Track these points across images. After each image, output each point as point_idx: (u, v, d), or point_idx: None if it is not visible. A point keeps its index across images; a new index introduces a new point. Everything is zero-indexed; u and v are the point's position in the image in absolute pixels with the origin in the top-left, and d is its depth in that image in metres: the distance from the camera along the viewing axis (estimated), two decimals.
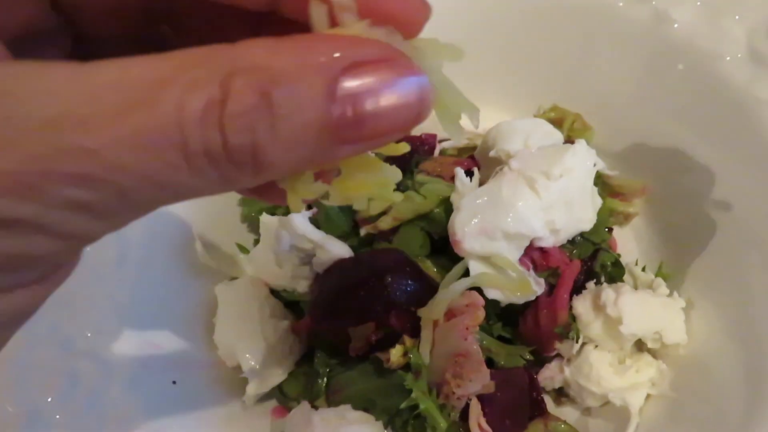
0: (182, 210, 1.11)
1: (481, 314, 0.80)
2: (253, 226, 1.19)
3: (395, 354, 0.82)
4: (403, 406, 0.79)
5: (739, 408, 0.82)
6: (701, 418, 0.84)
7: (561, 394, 0.95)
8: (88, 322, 0.94)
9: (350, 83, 0.32)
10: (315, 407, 0.89)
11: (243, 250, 1.16)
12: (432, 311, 0.81)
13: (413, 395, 0.79)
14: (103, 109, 0.30)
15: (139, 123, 0.30)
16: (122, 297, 0.98)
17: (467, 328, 0.79)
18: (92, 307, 0.96)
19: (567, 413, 0.94)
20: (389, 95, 0.33)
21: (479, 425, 0.79)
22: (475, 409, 0.80)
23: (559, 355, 0.93)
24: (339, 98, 0.32)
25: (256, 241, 1.17)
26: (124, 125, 0.30)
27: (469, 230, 0.86)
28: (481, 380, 0.78)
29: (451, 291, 0.78)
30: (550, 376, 0.94)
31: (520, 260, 0.89)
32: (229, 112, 0.30)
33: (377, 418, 0.83)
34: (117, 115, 0.30)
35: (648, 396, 0.89)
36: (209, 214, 1.15)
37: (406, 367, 0.83)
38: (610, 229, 1.02)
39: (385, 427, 0.82)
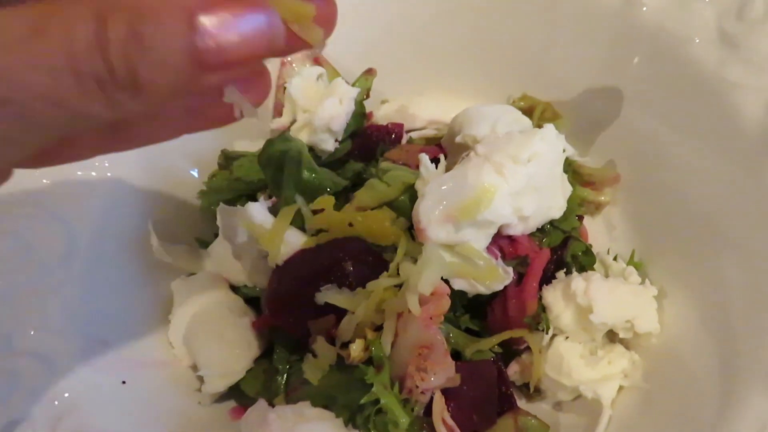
0: (137, 202, 1.05)
1: (447, 303, 0.76)
2: (213, 219, 1.13)
3: (356, 348, 0.77)
4: (363, 401, 0.75)
5: (713, 399, 0.79)
6: (675, 410, 0.82)
7: (530, 388, 0.91)
8: (30, 318, 0.88)
9: (207, 18, 0.38)
10: (273, 405, 0.84)
11: (202, 244, 1.11)
12: (397, 303, 0.77)
13: (374, 390, 0.75)
14: (8, 38, 0.37)
15: (39, 49, 0.37)
16: (69, 293, 0.92)
17: (431, 318, 0.75)
18: (36, 302, 0.90)
19: (538, 408, 0.91)
20: (243, 26, 0.39)
21: (443, 421, 0.75)
22: (439, 403, 0.75)
23: (528, 348, 0.90)
24: (200, 30, 0.37)
25: (216, 236, 1.12)
26: (27, 50, 0.37)
27: (434, 218, 0.82)
28: (445, 373, 0.74)
29: (423, 280, 0.74)
30: (519, 369, 0.90)
31: (488, 249, 0.86)
32: (110, 42, 0.37)
33: (338, 415, 0.78)
34: (20, 42, 0.37)
35: (620, 388, 0.86)
36: (166, 207, 1.10)
37: (369, 361, 0.79)
38: (581, 218, 0.99)
39: (346, 425, 0.78)
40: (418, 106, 1.21)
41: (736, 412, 0.75)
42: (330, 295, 0.80)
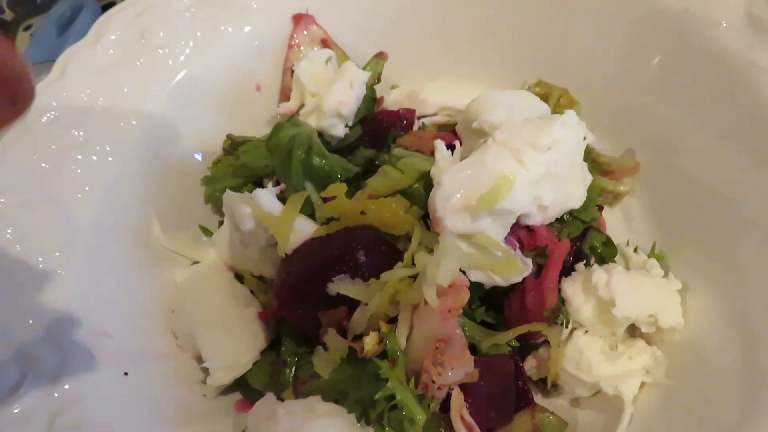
0: (139, 188, 1.02)
1: (466, 296, 0.73)
2: (218, 206, 1.10)
3: (370, 342, 0.74)
4: (377, 396, 0.72)
5: (737, 398, 0.76)
6: (698, 408, 0.79)
7: (548, 383, 0.88)
8: (29, 308, 0.85)
9: None
10: (281, 399, 0.81)
11: (206, 232, 1.08)
12: (413, 294, 0.74)
13: (389, 385, 0.72)
14: None
15: None
16: (69, 282, 0.88)
17: (450, 311, 0.71)
18: (35, 293, 0.86)
19: (554, 404, 0.88)
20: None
21: (462, 418, 0.72)
22: (458, 399, 0.72)
23: (546, 342, 0.87)
24: None
25: (221, 223, 1.08)
26: None
27: (450, 206, 0.79)
28: (464, 368, 0.71)
29: (441, 272, 0.71)
30: (536, 364, 0.87)
31: (506, 239, 0.83)
32: None
33: (349, 411, 0.75)
34: None
35: (642, 384, 0.82)
36: (169, 194, 1.06)
37: (382, 355, 0.75)
38: (601, 208, 0.96)
39: (359, 420, 0.75)
40: (429, 92, 1.17)
41: (762, 412, 0.73)
42: (342, 285, 0.77)
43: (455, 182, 0.80)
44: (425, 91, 1.17)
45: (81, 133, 1.00)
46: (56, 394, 0.79)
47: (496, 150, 0.82)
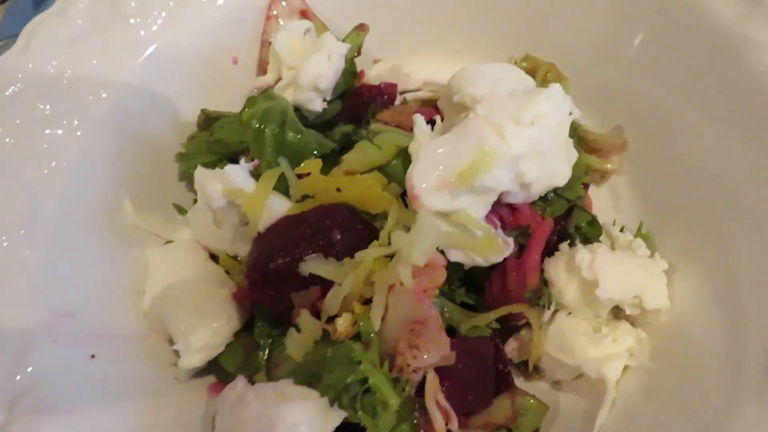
0: (109, 164, 0.98)
1: (442, 275, 0.70)
2: (192, 184, 1.05)
3: (342, 323, 0.71)
4: (349, 380, 0.69)
5: (722, 383, 0.73)
6: (682, 392, 0.76)
7: (529, 366, 0.86)
8: None
9: None
10: (253, 383, 0.78)
11: (180, 210, 1.04)
12: (388, 274, 0.71)
13: (362, 368, 0.69)
14: None
15: None
16: (32, 262, 0.85)
17: (425, 291, 0.68)
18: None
19: (536, 387, 0.86)
20: None
21: (437, 402, 0.69)
22: (433, 383, 0.70)
23: (528, 325, 0.84)
24: None
25: (195, 202, 1.05)
26: None
27: (429, 184, 0.75)
28: (439, 351, 0.69)
29: (417, 251, 0.68)
30: (517, 346, 0.85)
31: (487, 218, 0.80)
32: None
33: (322, 394, 0.72)
34: None
35: (625, 367, 0.80)
36: (141, 171, 1.02)
37: (357, 337, 0.72)
38: (586, 186, 0.93)
39: (331, 404, 0.72)
40: (412, 66, 1.13)
41: (745, 398, 0.70)
42: (315, 265, 0.74)
43: (433, 158, 0.77)
44: (408, 65, 1.13)
45: (47, 107, 0.96)
46: (18, 377, 0.76)
47: (477, 124, 0.78)
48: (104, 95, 0.99)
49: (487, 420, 0.77)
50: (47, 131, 0.94)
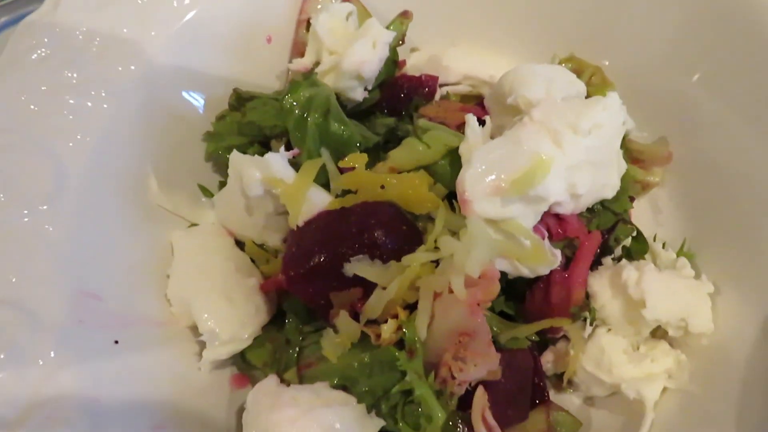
0: (135, 140, 0.94)
1: (497, 289, 0.68)
2: (219, 165, 1.03)
3: (388, 329, 0.69)
4: (395, 390, 0.67)
5: (760, 412, 0.72)
6: (720, 417, 0.75)
7: (561, 379, 0.84)
8: (11, 263, 0.77)
9: None
10: (283, 380, 0.76)
11: (206, 192, 1.01)
12: (435, 281, 0.68)
13: (407, 378, 0.67)
14: None
15: None
16: (56, 237, 0.81)
17: (478, 304, 0.66)
18: (18, 246, 0.79)
19: (567, 401, 0.84)
20: None
21: (484, 418, 0.67)
22: (481, 399, 0.68)
23: (564, 337, 0.82)
24: None
25: (222, 184, 1.01)
26: None
27: (481, 189, 0.73)
28: (487, 365, 0.67)
29: (472, 261, 0.65)
30: (553, 359, 0.83)
31: (535, 228, 0.77)
32: None
33: (359, 400, 0.70)
34: None
35: (663, 389, 0.79)
36: (167, 149, 0.98)
37: (398, 344, 0.70)
38: (632, 199, 0.91)
39: (368, 411, 0.70)
40: (451, 58, 1.10)
41: None
42: (361, 267, 0.71)
43: (487, 162, 0.74)
44: (448, 57, 1.10)
45: (74, 75, 0.92)
46: (41, 361, 0.73)
47: (534, 130, 0.75)
48: (133, 67, 0.95)
49: None
50: (73, 101, 0.90)
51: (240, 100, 1.00)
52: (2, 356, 0.72)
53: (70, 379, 0.73)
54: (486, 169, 0.73)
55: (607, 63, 1.02)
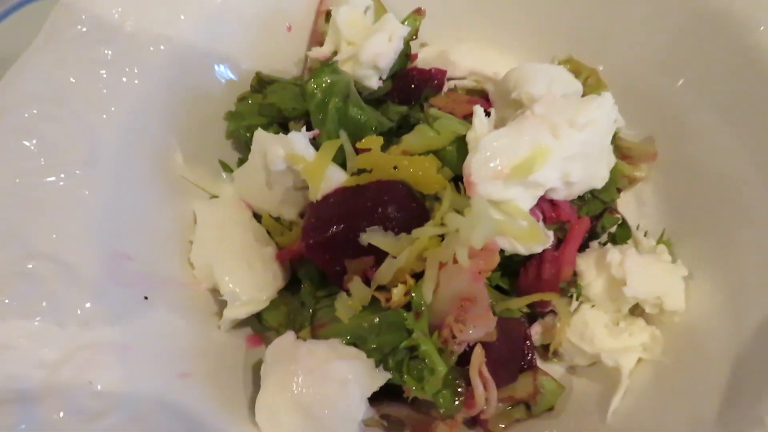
0: (163, 114, 1.01)
1: (497, 259, 0.77)
2: (239, 143, 1.10)
3: (397, 293, 0.77)
4: (403, 346, 0.75)
5: (723, 382, 0.81)
6: (686, 388, 0.84)
7: (547, 350, 0.93)
8: (52, 221, 0.84)
9: None
10: (299, 338, 0.84)
11: (226, 168, 1.08)
12: (441, 252, 0.77)
13: (414, 336, 0.75)
14: None
15: None
16: (92, 200, 0.88)
17: (480, 273, 0.74)
18: (57, 206, 0.86)
19: (552, 369, 0.93)
20: None
21: (480, 372, 0.76)
22: (479, 356, 0.76)
23: (552, 311, 0.91)
24: None
25: (241, 161, 1.09)
26: None
27: (485, 173, 0.81)
28: (486, 327, 0.75)
29: (477, 234, 0.73)
30: (541, 330, 0.92)
31: (531, 210, 0.86)
32: None
33: (368, 356, 0.78)
34: None
35: (638, 360, 0.88)
36: (192, 125, 1.05)
37: (406, 307, 0.78)
38: (619, 190, 0.99)
39: (377, 366, 0.78)
40: (458, 54, 1.18)
41: (744, 396, 0.78)
42: (375, 236, 0.79)
43: (492, 150, 0.82)
44: (455, 53, 1.17)
45: (109, 52, 0.97)
46: (78, 311, 0.80)
47: (535, 122, 0.84)
48: (162, 47, 1.01)
49: (510, 394, 0.85)
50: (107, 76, 0.96)
51: (261, 83, 1.07)
52: (44, 304, 0.79)
53: (105, 328, 0.80)
54: (491, 155, 0.82)
55: (601, 68, 1.11)
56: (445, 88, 1.09)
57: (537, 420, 0.88)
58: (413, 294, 0.77)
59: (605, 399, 0.86)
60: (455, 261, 0.76)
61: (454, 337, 0.76)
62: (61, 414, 0.72)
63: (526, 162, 0.81)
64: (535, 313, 0.92)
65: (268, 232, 1.00)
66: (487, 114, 0.90)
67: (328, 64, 0.96)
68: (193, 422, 0.78)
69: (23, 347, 0.75)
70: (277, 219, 1.00)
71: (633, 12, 1.08)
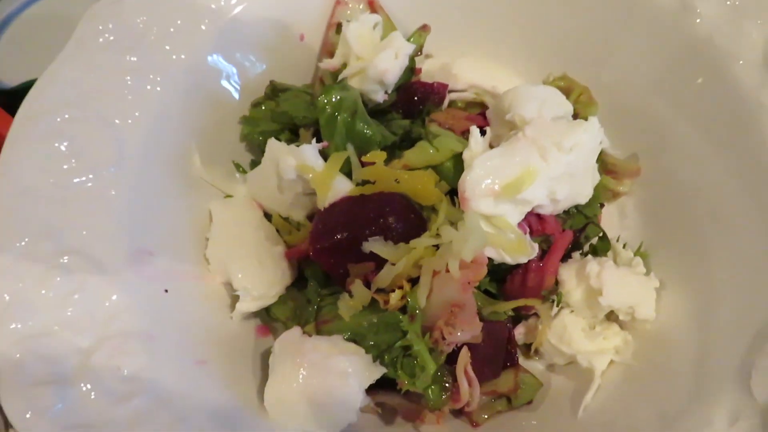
0: (183, 119, 1.08)
1: (484, 272, 0.85)
2: (252, 146, 1.18)
3: (395, 297, 0.86)
4: (398, 345, 0.84)
5: (687, 384, 0.90)
6: (653, 388, 0.93)
7: (530, 348, 1.02)
8: (82, 219, 0.92)
9: None
10: (304, 333, 0.93)
11: (239, 169, 1.16)
12: (436, 262, 0.85)
13: (408, 336, 0.84)
14: None
15: None
16: (119, 199, 0.96)
17: (469, 283, 0.83)
18: (87, 204, 0.94)
19: (533, 366, 1.02)
20: None
21: (466, 371, 0.85)
22: (465, 357, 0.85)
23: (535, 314, 1.00)
24: None
25: (254, 163, 1.17)
26: None
27: (479, 190, 0.89)
28: (472, 331, 0.84)
29: (467, 248, 0.82)
30: (524, 331, 1.01)
31: (519, 224, 0.94)
32: None
33: (367, 352, 0.87)
34: None
35: (611, 362, 0.97)
36: (209, 129, 1.13)
37: (402, 309, 0.87)
38: (602, 205, 1.08)
39: (374, 361, 0.87)
40: (460, 67, 1.25)
41: (704, 398, 0.87)
42: (376, 245, 0.87)
43: (485, 169, 0.90)
44: (457, 65, 1.25)
45: (134, 59, 1.04)
46: (107, 303, 0.89)
47: (525, 145, 0.92)
48: (183, 56, 1.08)
49: (493, 388, 0.94)
50: (132, 82, 1.03)
51: (275, 90, 1.15)
52: (77, 296, 0.88)
53: (130, 319, 0.88)
54: (484, 174, 0.90)
55: (594, 84, 1.18)
56: (446, 101, 1.17)
57: (517, 412, 0.97)
58: (409, 299, 0.86)
59: (579, 395, 0.96)
60: (448, 270, 0.85)
61: (443, 338, 0.84)
62: (93, 396, 0.81)
63: (516, 181, 0.89)
64: (519, 315, 1.01)
65: (278, 231, 1.09)
66: (483, 132, 0.98)
67: (339, 82, 1.03)
68: (210, 405, 0.87)
69: (59, 335, 0.84)
70: (286, 219, 1.08)
71: (626, 36, 1.14)
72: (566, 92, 1.16)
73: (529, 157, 0.90)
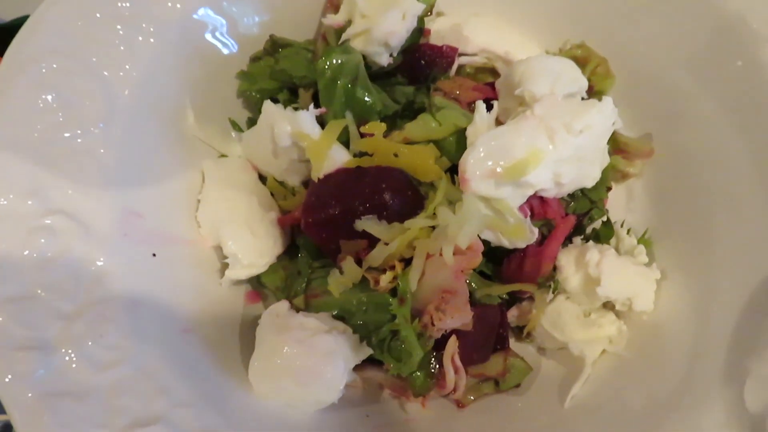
0: (176, 73, 1.03)
1: (479, 260, 0.82)
2: (249, 103, 1.13)
3: (386, 278, 0.83)
4: (386, 328, 0.82)
5: (679, 380, 0.88)
6: (645, 380, 0.92)
7: (522, 330, 1.00)
8: (69, 176, 0.89)
9: None
10: (292, 305, 0.91)
11: (235, 127, 1.12)
12: (430, 244, 0.82)
13: (397, 320, 0.82)
14: None
15: None
16: (107, 157, 0.92)
17: (462, 271, 0.80)
18: (74, 161, 0.90)
19: (524, 349, 1.01)
20: None
21: (452, 360, 0.83)
22: (452, 345, 0.84)
23: (530, 297, 0.98)
24: None
25: (251, 121, 1.12)
26: None
27: (480, 171, 0.85)
28: (462, 318, 0.82)
29: (463, 235, 0.78)
30: (517, 314, 0.99)
31: (520, 207, 0.90)
32: None
33: (354, 331, 0.86)
34: None
35: (603, 351, 0.95)
36: (204, 84, 1.08)
37: (392, 291, 0.85)
38: (609, 188, 1.03)
39: (361, 341, 0.86)
40: (472, 28, 1.18)
41: (696, 395, 0.85)
42: (369, 224, 0.84)
43: (488, 148, 0.85)
44: (469, 27, 1.17)
45: (126, 5, 0.98)
46: (92, 268, 0.87)
47: (533, 124, 0.86)
48: (179, 5, 1.02)
49: (481, 371, 0.93)
50: (124, 32, 0.98)
51: (275, 46, 1.09)
52: (60, 261, 0.86)
53: (116, 284, 0.86)
54: (486, 154, 0.85)
55: (613, 56, 1.11)
56: (455, 66, 1.10)
57: (504, 395, 0.96)
58: (400, 282, 0.83)
59: (567, 383, 0.95)
60: (441, 254, 0.82)
61: (433, 324, 0.82)
62: (75, 364, 0.80)
63: (520, 164, 0.85)
64: (513, 298, 0.99)
65: (273, 194, 1.05)
66: (490, 107, 0.93)
67: (341, 44, 0.97)
68: (195, 375, 0.87)
69: (42, 298, 0.82)
70: (282, 183, 1.05)
71: (654, 8, 1.07)
72: (583, 62, 1.10)
73: (535, 138, 0.85)
